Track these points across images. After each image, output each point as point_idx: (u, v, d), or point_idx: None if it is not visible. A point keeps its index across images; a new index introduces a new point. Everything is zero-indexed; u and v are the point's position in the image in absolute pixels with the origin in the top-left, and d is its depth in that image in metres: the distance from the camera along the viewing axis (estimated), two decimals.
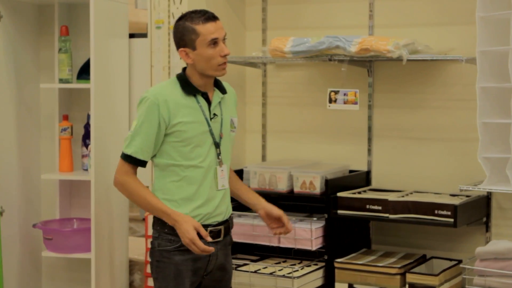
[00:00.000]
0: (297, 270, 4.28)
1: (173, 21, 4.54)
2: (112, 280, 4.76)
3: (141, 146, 3.59)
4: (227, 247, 3.79)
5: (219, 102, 3.72)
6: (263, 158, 4.97)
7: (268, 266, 4.41)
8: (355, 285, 4.14)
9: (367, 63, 4.45)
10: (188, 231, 3.45)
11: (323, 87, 4.53)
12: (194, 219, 3.54)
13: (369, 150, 4.59)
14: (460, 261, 4.21)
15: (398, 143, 4.52)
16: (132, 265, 4.96)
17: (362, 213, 4.19)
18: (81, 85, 4.64)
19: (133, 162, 3.62)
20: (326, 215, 4.28)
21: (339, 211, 4.24)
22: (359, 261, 4.22)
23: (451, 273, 4.13)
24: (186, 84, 3.64)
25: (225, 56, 3.59)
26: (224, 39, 3.61)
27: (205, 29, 3.55)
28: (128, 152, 3.60)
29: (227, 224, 3.75)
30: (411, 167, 4.48)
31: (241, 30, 4.95)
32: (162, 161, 3.66)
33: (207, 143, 3.65)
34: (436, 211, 3.99)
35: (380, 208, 4.13)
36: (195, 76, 3.65)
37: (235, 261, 4.46)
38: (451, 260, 4.25)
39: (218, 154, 3.68)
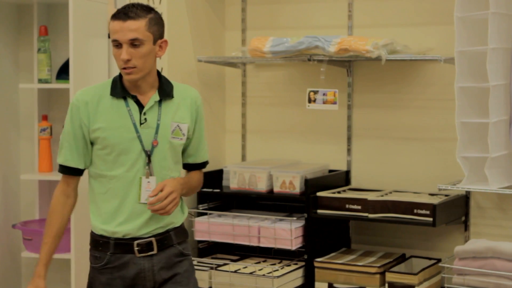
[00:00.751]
0: (277, 270, 4.28)
1: None
2: None
3: (70, 153, 3.36)
4: (177, 260, 3.45)
5: (157, 106, 3.39)
6: (243, 158, 4.96)
7: (248, 265, 4.41)
8: (335, 285, 4.13)
9: (346, 63, 4.44)
10: None
11: (302, 87, 4.53)
12: (43, 283, 3.34)
13: (349, 150, 4.59)
14: (439, 260, 4.21)
15: (377, 142, 4.52)
16: None
17: (342, 212, 4.18)
18: (61, 85, 4.63)
19: (68, 171, 3.39)
20: (305, 215, 4.26)
21: (319, 211, 4.24)
22: (339, 260, 4.21)
23: (430, 272, 4.13)
24: (115, 85, 3.38)
25: (127, 61, 3.23)
26: (134, 44, 3.21)
27: (111, 27, 3.28)
28: (58, 161, 3.40)
29: (166, 235, 3.42)
30: (390, 166, 4.49)
31: (220, 30, 4.94)
32: (91, 171, 3.42)
33: (134, 151, 3.34)
34: (415, 211, 3.99)
35: (359, 207, 4.13)
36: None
37: (215, 261, 4.51)
38: (430, 259, 4.24)
39: (147, 163, 3.35)
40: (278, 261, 4.42)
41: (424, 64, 4.33)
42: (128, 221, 3.34)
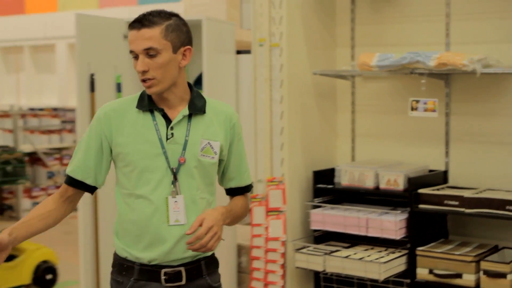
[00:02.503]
0: (383, 256, 4.33)
1: (273, 40, 4.63)
2: (224, 261, 4.85)
3: (79, 165, 2.84)
4: None
5: (188, 122, 2.83)
6: (353, 158, 4.97)
7: (357, 252, 4.44)
8: (434, 271, 4.13)
9: (444, 76, 4.43)
10: None
11: (405, 97, 4.52)
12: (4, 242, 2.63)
13: (447, 152, 4.56)
14: None
15: (472, 146, 4.49)
16: (240, 249, 5.05)
17: (441, 207, 4.19)
18: None
19: (72, 183, 2.85)
20: (408, 209, 4.28)
21: (420, 206, 4.25)
22: (438, 249, 4.21)
23: None
24: (142, 98, 2.85)
25: (143, 72, 2.72)
26: (150, 54, 2.71)
27: (128, 38, 2.77)
28: (67, 171, 2.88)
29: (197, 265, 2.87)
30: (484, 167, 4.45)
31: (332, 47, 4.96)
32: (117, 190, 2.90)
33: (159, 169, 2.79)
34: (507, 207, 3.98)
35: (457, 203, 4.13)
36: None
37: (328, 248, 4.56)
38: None
39: (173, 182, 2.79)
40: (384, 249, 4.46)
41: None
42: (153, 245, 2.81)
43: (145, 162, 2.78)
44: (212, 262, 2.94)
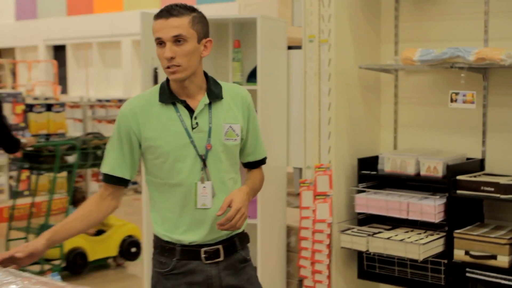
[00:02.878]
0: (423, 238, 4.33)
1: (322, 36, 4.67)
2: (274, 241, 4.95)
3: (115, 162, 2.87)
4: (239, 266, 2.97)
5: (209, 109, 2.87)
6: (395, 146, 4.97)
7: (398, 234, 4.46)
8: (471, 252, 4.12)
9: (482, 70, 4.40)
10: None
11: (445, 89, 4.52)
12: (39, 246, 2.67)
13: (484, 142, 4.54)
14: None
15: (508, 135, 4.46)
16: (289, 230, 5.07)
17: (477, 193, 4.17)
18: (250, 86, 4.68)
19: (112, 181, 2.89)
20: (447, 194, 4.28)
21: (458, 191, 4.25)
22: (474, 232, 4.21)
23: None
24: (163, 92, 2.86)
25: (170, 59, 2.73)
26: (177, 40, 2.74)
27: (154, 26, 2.79)
28: (104, 170, 2.90)
29: (231, 242, 2.94)
30: None
31: (377, 43, 4.97)
32: (149, 180, 2.94)
33: (189, 157, 2.83)
34: None
35: (492, 189, 4.10)
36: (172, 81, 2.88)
37: (371, 229, 4.58)
38: None
39: (202, 168, 2.84)
40: (423, 231, 4.46)
41: None
42: (191, 229, 2.87)
43: (175, 153, 2.82)
44: (244, 238, 3.02)
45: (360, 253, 4.64)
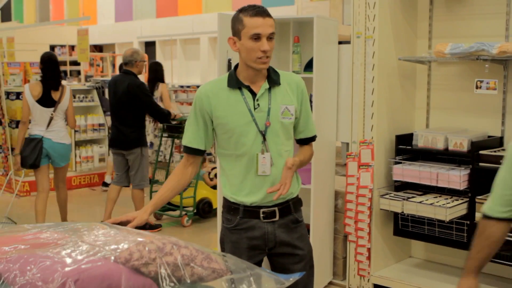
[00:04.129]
0: (449, 202, 4.31)
1: (368, 33, 4.64)
2: (324, 203, 4.95)
3: (193, 136, 2.94)
4: (292, 226, 2.99)
5: (268, 93, 2.89)
6: (427, 125, 4.94)
7: (429, 199, 4.44)
8: None
9: (503, 61, 4.35)
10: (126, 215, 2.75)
11: (471, 78, 4.48)
12: (145, 216, 2.75)
13: (503, 122, 4.50)
14: None
15: None
16: (337, 194, 5.08)
17: (497, 165, 4.05)
18: (307, 75, 4.68)
19: (189, 151, 2.96)
20: (470, 166, 4.26)
21: (480, 164, 4.22)
22: None
23: None
24: (231, 78, 2.89)
25: (264, 51, 2.76)
26: (270, 37, 2.77)
27: (251, 23, 2.75)
28: (184, 143, 2.99)
29: (286, 205, 2.97)
30: None
31: (413, 38, 4.92)
32: (219, 151, 2.99)
33: (251, 132, 2.86)
34: None
35: None
36: (242, 68, 2.89)
37: (406, 194, 4.55)
38: None
39: (262, 142, 2.87)
40: (450, 197, 4.44)
41: None
42: (252, 192, 2.91)
43: (240, 129, 2.86)
44: (297, 202, 3.04)
45: (396, 214, 4.62)
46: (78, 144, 9.16)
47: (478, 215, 4.10)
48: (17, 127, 7.77)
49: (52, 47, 17.04)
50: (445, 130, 4.59)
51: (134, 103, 6.36)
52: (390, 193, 4.63)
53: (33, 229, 2.34)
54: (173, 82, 12.78)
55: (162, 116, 6.68)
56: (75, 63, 15.19)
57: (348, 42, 4.88)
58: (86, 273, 1.92)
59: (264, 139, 2.87)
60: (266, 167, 2.88)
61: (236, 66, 2.94)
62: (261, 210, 2.92)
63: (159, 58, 14.78)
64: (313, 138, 3.11)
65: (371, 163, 4.66)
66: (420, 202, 4.38)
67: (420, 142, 4.56)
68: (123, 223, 2.65)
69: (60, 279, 1.86)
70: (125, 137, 6.41)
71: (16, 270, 1.94)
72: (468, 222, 4.26)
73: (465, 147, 4.32)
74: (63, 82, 6.78)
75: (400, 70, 4.80)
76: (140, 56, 6.55)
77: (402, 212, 4.47)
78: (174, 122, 7.09)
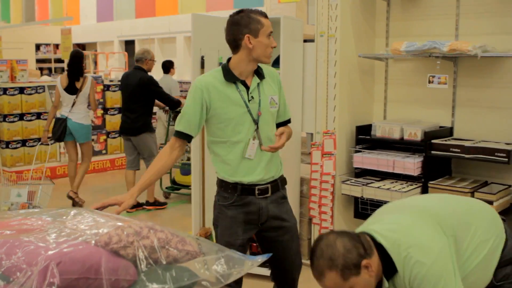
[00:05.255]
0: (404, 187, 4.33)
1: (331, 32, 4.64)
2: (290, 189, 4.82)
3: (188, 123, 2.93)
4: (280, 201, 3.10)
5: (257, 86, 2.98)
6: (384, 117, 4.96)
7: (386, 184, 4.46)
8: None
9: (453, 58, 4.38)
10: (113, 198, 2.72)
11: (424, 73, 4.51)
12: (131, 201, 2.72)
13: (453, 114, 4.52)
14: (510, 186, 4.17)
15: (472, 109, 4.43)
16: (302, 181, 5.07)
17: (447, 153, 4.16)
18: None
19: (181, 136, 2.94)
20: (424, 154, 4.28)
21: (432, 152, 4.23)
22: (444, 183, 4.21)
23: (504, 193, 4.08)
24: (227, 73, 2.93)
25: (273, 47, 2.92)
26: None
27: (267, 23, 2.88)
28: (178, 128, 2.97)
29: (276, 183, 3.07)
30: (480, 125, 4.40)
31: (372, 37, 4.93)
32: (212, 140, 3.03)
33: (246, 121, 2.94)
34: (495, 153, 3.95)
35: (459, 150, 4.10)
36: (242, 64, 2.93)
37: (365, 180, 4.57)
38: (504, 185, 4.18)
39: (255, 129, 2.95)
40: (405, 182, 4.45)
41: (504, 59, 4.23)
42: (249, 173, 2.98)
43: (237, 119, 2.93)
44: (283, 181, 3.16)
45: (356, 199, 4.63)
46: None
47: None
48: (4, 120, 8.31)
49: (38, 46, 16.78)
50: (400, 121, 4.60)
51: (145, 94, 6.62)
52: (351, 179, 4.64)
53: (19, 215, 2.31)
54: None
55: (172, 103, 6.93)
56: (59, 60, 14.98)
57: (312, 41, 4.87)
58: (68, 256, 1.90)
59: (257, 127, 2.96)
60: (253, 152, 2.96)
61: (228, 61, 2.98)
62: (257, 187, 2.99)
63: None
64: (289, 121, 3.22)
65: (334, 152, 4.66)
66: (378, 187, 4.40)
67: (378, 132, 4.57)
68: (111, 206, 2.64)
69: (43, 262, 1.84)
70: (134, 124, 6.72)
71: (2, 254, 1.92)
72: None
73: (418, 137, 4.34)
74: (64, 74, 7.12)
75: (360, 66, 4.80)
76: (150, 55, 6.86)
77: (362, 196, 4.48)
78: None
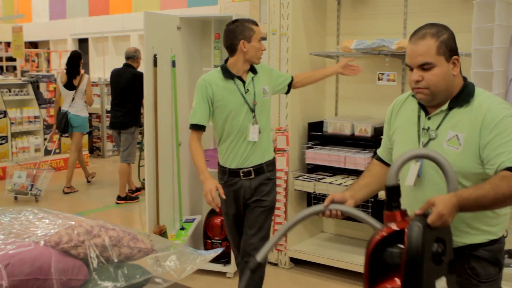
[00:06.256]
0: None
1: (283, 30, 4.66)
2: None
3: (202, 116, 3.36)
4: (266, 182, 3.48)
5: (252, 80, 3.41)
6: (336, 113, 5.00)
7: (338, 179, 4.50)
8: None
9: (402, 56, 4.40)
10: (207, 189, 3.19)
11: (374, 71, 4.55)
12: (216, 182, 3.25)
13: None
14: None
15: None
16: None
17: None
18: None
19: (198, 128, 3.37)
20: (374, 149, 4.28)
21: None
22: None
23: None
24: (226, 71, 3.38)
25: (263, 50, 3.41)
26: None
27: (258, 30, 3.37)
28: (194, 122, 3.37)
29: (261, 166, 3.45)
30: None
31: (323, 36, 4.97)
32: (218, 127, 3.43)
33: (244, 110, 3.36)
34: None
35: None
36: (238, 64, 3.39)
37: (317, 176, 4.61)
38: None
39: (253, 116, 3.38)
40: (356, 177, 4.35)
41: None
42: (235, 159, 3.41)
43: (237, 109, 3.35)
44: (271, 164, 3.52)
45: (308, 194, 4.68)
46: (14, 135, 8.82)
47: (381, 193, 4.21)
48: None
49: None
50: (351, 117, 4.65)
51: (137, 89, 6.59)
52: (304, 175, 4.67)
53: None
54: (105, 76, 12.49)
55: None
56: (11, 59, 14.62)
57: (264, 39, 4.80)
58: (16, 258, 1.85)
59: (254, 114, 3.37)
60: (255, 135, 3.38)
61: (225, 61, 3.44)
62: (241, 171, 3.43)
63: (91, 54, 14.44)
64: (292, 78, 3.74)
65: (286, 148, 4.68)
66: (330, 183, 4.43)
67: (330, 128, 4.62)
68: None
69: None
70: (124, 118, 6.88)
71: None
72: (373, 199, 4.33)
73: (369, 133, 4.39)
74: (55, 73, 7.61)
75: (312, 63, 4.83)
76: (140, 54, 7.09)
77: (314, 192, 4.51)
78: None
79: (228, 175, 3.47)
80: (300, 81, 3.79)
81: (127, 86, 6.87)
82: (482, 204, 1.95)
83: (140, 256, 2.12)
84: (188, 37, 4.92)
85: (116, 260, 2.04)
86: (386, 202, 1.91)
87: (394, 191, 1.91)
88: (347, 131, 4.51)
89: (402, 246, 1.78)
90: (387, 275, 1.80)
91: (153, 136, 4.71)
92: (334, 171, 4.66)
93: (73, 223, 2.09)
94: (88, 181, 8.21)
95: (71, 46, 15.55)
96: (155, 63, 4.70)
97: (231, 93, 3.37)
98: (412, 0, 4.50)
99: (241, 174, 3.44)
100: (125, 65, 7.05)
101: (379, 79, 4.40)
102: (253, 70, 3.45)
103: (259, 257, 2.04)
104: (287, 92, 3.76)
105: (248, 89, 3.39)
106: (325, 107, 5.05)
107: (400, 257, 1.77)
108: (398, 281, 1.77)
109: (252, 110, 3.39)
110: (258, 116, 3.41)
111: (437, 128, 2.16)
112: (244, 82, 3.40)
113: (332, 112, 5.00)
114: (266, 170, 3.49)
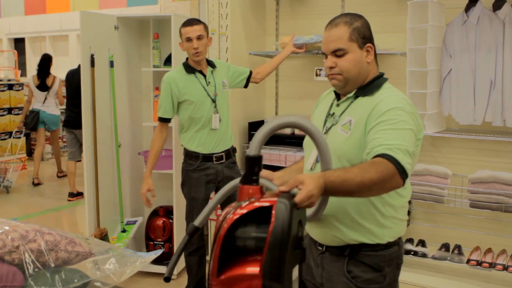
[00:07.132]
0: None
1: (222, 30, 4.65)
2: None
3: (166, 109, 3.76)
4: (231, 165, 3.89)
5: (212, 74, 3.80)
6: (276, 113, 5.03)
7: None
8: None
9: None
10: (142, 190, 3.83)
11: (312, 69, 4.60)
12: (150, 183, 3.84)
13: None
14: None
15: None
16: None
17: None
18: (166, 69, 4.60)
19: (164, 120, 3.81)
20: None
21: None
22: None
23: None
24: (187, 67, 3.77)
25: (195, 48, 3.66)
26: (198, 37, 3.67)
27: (184, 31, 3.71)
28: (159, 115, 3.81)
29: (228, 151, 3.87)
30: None
31: (262, 35, 4.99)
32: (182, 118, 3.78)
33: (207, 101, 3.74)
34: None
35: None
36: (190, 61, 3.79)
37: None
38: None
39: (215, 106, 3.76)
40: None
41: (388, 56, 4.35)
42: (207, 143, 3.77)
43: (199, 100, 3.71)
44: (234, 150, 3.95)
45: None
46: None
47: None
48: None
49: None
50: (291, 116, 4.63)
51: None
52: None
53: None
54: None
55: None
56: None
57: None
58: None
59: (216, 104, 3.74)
60: (217, 123, 3.75)
61: (187, 59, 3.81)
62: (214, 156, 3.80)
63: (28, 54, 14.07)
64: (251, 72, 4.08)
65: None
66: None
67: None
68: None
69: None
70: (78, 118, 6.64)
71: None
72: None
73: None
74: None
75: (251, 63, 4.84)
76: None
77: None
78: None
79: (201, 160, 3.79)
80: (260, 72, 4.09)
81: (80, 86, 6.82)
82: (348, 189, 1.73)
83: (78, 260, 2.09)
84: (127, 37, 4.87)
85: (53, 265, 2.00)
86: (244, 175, 1.59)
87: (256, 163, 1.60)
88: (287, 130, 4.53)
89: (259, 226, 1.45)
90: (237, 260, 1.45)
91: (92, 137, 4.63)
92: (276, 170, 4.59)
93: (7, 228, 2.04)
94: (58, 176, 8.80)
95: (7, 46, 15.10)
96: (92, 63, 4.62)
97: (193, 86, 3.72)
98: (349, 1, 4.57)
99: (214, 159, 3.80)
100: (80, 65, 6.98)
101: (316, 75, 4.45)
102: (211, 65, 3.83)
103: (196, 222, 1.91)
104: (246, 86, 4.07)
105: (209, 82, 3.76)
106: (265, 106, 5.07)
107: (259, 239, 1.43)
108: (252, 268, 1.43)
109: (213, 101, 3.74)
110: (219, 106, 3.76)
111: (341, 114, 2.14)
112: (205, 76, 3.76)
113: (272, 111, 5.03)
114: (232, 154, 3.91)
